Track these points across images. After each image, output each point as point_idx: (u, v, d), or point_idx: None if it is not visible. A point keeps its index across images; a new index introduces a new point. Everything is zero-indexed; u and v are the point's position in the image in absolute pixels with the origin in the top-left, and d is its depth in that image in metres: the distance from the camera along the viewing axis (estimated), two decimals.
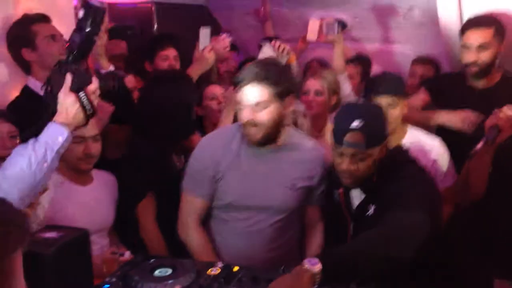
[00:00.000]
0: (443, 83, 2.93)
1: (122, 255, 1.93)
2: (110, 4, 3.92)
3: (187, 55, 3.15)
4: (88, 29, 1.64)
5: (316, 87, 2.76)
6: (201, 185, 2.12)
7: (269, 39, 3.08)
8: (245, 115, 1.99)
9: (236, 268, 1.76)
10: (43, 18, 2.45)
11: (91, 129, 2.10)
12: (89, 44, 1.71)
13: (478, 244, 2.45)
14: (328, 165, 2.12)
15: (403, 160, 1.94)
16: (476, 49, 2.60)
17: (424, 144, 2.45)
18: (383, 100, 2.32)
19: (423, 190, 1.81)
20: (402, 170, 1.88)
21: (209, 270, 1.73)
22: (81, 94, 1.70)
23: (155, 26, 3.96)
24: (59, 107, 1.70)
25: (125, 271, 1.75)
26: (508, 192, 2.35)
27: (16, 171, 1.60)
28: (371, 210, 1.88)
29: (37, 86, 2.31)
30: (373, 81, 2.54)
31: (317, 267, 1.52)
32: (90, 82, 1.74)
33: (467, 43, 2.64)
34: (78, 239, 1.68)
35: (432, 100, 2.84)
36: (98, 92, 1.78)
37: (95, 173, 2.24)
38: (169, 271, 1.69)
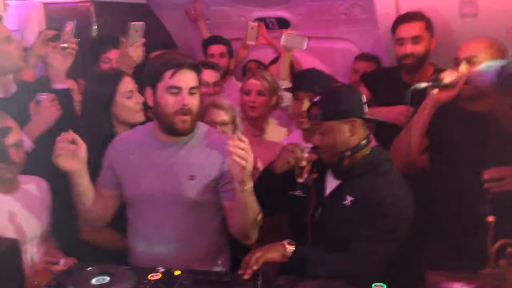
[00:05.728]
0: (379, 78, 2.99)
1: (56, 263, 1.85)
2: (46, 4, 3.75)
3: None
4: None
5: (258, 88, 2.82)
6: (104, 175, 2.07)
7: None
8: (182, 100, 1.88)
9: (177, 272, 1.73)
10: None
11: (12, 136, 1.98)
12: None
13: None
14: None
15: (383, 159, 1.98)
16: (410, 42, 2.69)
17: None
18: (301, 95, 2.45)
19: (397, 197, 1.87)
20: (381, 168, 1.94)
21: (150, 275, 1.70)
22: None
23: (94, 25, 3.83)
24: None
25: (61, 280, 1.69)
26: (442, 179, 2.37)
27: None
28: (347, 201, 1.90)
29: None
30: (297, 76, 2.63)
31: (291, 248, 1.85)
32: None
33: (400, 37, 2.73)
34: (8, 250, 1.59)
35: (370, 95, 2.88)
36: None
37: (23, 179, 2.10)
38: (106, 279, 1.64)
